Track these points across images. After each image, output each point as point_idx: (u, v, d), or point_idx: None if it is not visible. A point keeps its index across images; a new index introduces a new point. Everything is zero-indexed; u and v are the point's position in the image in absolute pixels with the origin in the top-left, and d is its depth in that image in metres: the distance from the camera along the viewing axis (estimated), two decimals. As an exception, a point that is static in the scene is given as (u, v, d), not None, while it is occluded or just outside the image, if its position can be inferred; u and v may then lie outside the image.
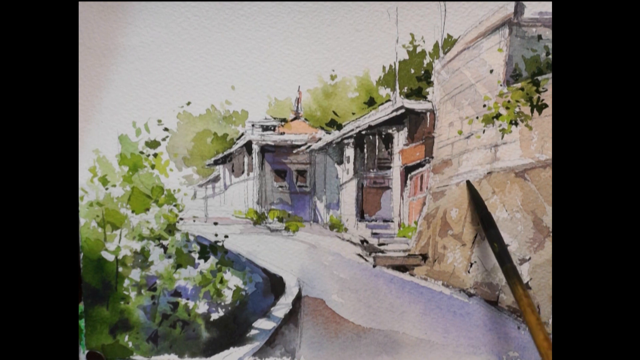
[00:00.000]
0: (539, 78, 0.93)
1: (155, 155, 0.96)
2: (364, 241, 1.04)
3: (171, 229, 0.97)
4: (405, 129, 1.06)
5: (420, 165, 1.04)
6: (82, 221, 0.94)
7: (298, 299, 0.99)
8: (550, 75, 0.92)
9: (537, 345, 0.76)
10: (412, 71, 0.96)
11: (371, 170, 1.10)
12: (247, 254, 0.99)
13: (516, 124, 0.94)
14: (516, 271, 0.84)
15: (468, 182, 0.95)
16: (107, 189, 0.95)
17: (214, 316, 0.98)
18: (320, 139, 1.04)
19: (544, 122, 0.93)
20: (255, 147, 1.07)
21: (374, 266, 1.01)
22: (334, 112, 1.00)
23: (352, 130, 1.02)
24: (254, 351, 0.97)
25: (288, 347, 0.98)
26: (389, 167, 1.09)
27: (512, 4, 0.92)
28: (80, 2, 0.89)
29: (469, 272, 0.98)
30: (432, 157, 1.02)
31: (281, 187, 1.10)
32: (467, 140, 0.98)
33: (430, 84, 0.98)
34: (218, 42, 0.93)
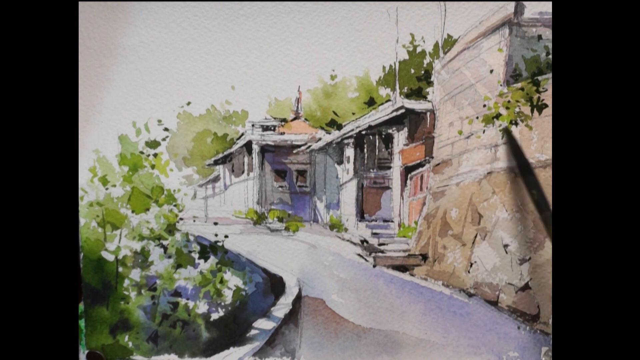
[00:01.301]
0: (539, 78, 0.93)
1: (155, 155, 0.96)
2: (364, 241, 1.04)
3: (171, 229, 0.97)
4: (405, 129, 1.06)
5: (420, 165, 1.04)
6: (82, 221, 0.94)
7: (298, 299, 0.99)
8: (550, 75, 0.92)
9: None
10: (412, 71, 0.96)
11: (371, 170, 1.10)
12: (247, 254, 0.99)
13: (516, 124, 0.94)
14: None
15: (506, 129, 0.95)
16: (107, 189, 0.95)
17: (214, 316, 0.98)
18: (320, 139, 1.04)
19: (544, 122, 0.93)
20: (255, 147, 1.07)
21: (374, 266, 1.01)
22: (334, 112, 1.00)
23: (352, 130, 1.02)
24: (254, 351, 0.97)
25: (288, 347, 0.98)
26: (389, 167, 1.09)
27: (512, 4, 0.92)
28: (80, 2, 0.89)
29: (469, 272, 0.98)
30: (432, 157, 1.02)
31: (281, 187, 1.10)
32: (467, 140, 0.98)
33: (430, 84, 0.98)
34: (218, 42, 0.93)
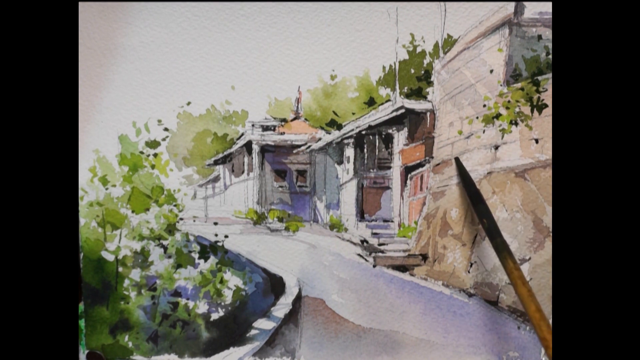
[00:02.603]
0: (539, 78, 0.93)
1: (155, 155, 0.96)
2: (364, 241, 1.04)
3: (171, 229, 0.97)
4: (405, 129, 1.06)
5: (420, 165, 1.04)
6: (82, 221, 0.94)
7: (298, 299, 0.99)
8: (550, 75, 0.92)
9: (530, 316, 0.78)
10: (412, 71, 0.96)
11: (371, 170, 1.10)
12: (247, 254, 0.99)
13: (516, 124, 0.94)
14: (506, 245, 0.85)
15: (456, 159, 0.96)
16: (107, 189, 0.95)
17: (214, 316, 0.98)
18: (320, 139, 1.04)
19: (544, 122, 0.93)
20: (255, 147, 1.07)
21: (374, 266, 1.01)
22: (334, 112, 1.00)
23: (352, 130, 1.02)
24: (254, 351, 0.97)
25: (288, 347, 0.98)
26: (389, 167, 1.09)
27: (512, 4, 0.92)
28: (80, 2, 0.89)
29: (469, 272, 0.98)
30: (432, 157, 1.02)
31: (281, 187, 1.10)
32: (467, 140, 0.98)
33: (430, 84, 0.98)
34: (218, 42, 0.93)
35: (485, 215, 0.88)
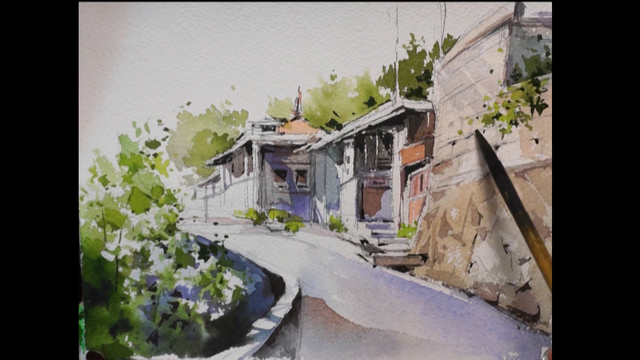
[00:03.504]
0: (539, 78, 0.93)
1: (155, 155, 0.96)
2: (364, 241, 1.04)
3: (171, 229, 0.97)
4: (405, 129, 1.06)
5: (420, 165, 1.04)
6: (82, 221, 0.94)
7: (298, 299, 0.99)
8: (550, 75, 0.92)
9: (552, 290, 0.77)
10: (412, 71, 0.96)
11: (371, 170, 1.10)
12: (247, 254, 0.99)
13: (516, 124, 0.94)
14: (528, 218, 0.83)
15: (477, 131, 0.95)
16: (107, 189, 0.95)
17: (214, 316, 0.98)
18: (320, 139, 1.04)
19: (544, 122, 0.93)
20: (255, 147, 1.07)
21: (374, 266, 1.01)
22: (334, 112, 1.00)
23: (352, 130, 1.02)
24: (254, 351, 0.97)
25: (288, 347, 0.98)
26: (389, 167, 1.09)
27: (512, 4, 0.92)
28: (80, 2, 0.89)
29: (469, 272, 0.98)
30: (432, 157, 1.02)
31: (281, 187, 1.10)
32: (467, 140, 0.98)
33: (430, 84, 0.98)
34: (218, 42, 0.93)
35: (507, 187, 0.86)
